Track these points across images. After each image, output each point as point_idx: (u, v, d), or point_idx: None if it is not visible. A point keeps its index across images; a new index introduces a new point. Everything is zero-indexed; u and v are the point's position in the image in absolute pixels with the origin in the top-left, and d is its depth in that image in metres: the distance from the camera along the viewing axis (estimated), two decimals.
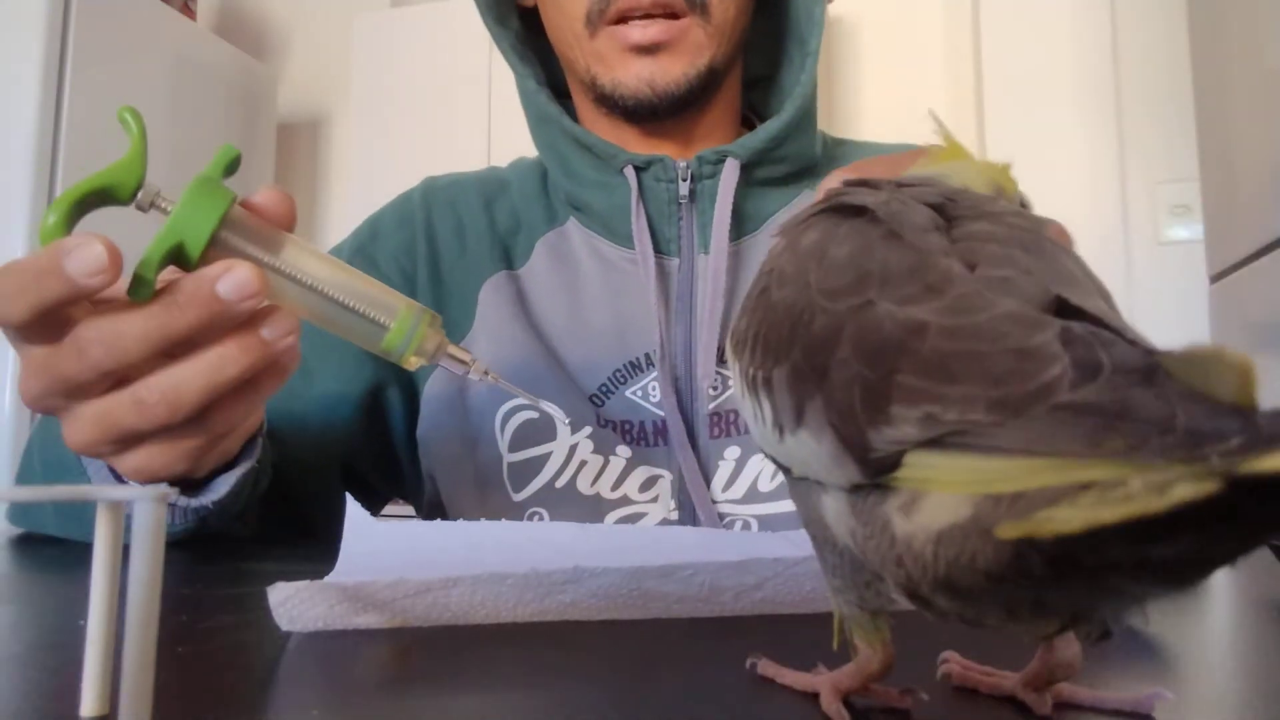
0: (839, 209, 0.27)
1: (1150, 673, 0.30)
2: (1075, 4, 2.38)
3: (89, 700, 0.23)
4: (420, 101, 2.59)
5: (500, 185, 0.80)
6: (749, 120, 0.80)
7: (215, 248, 0.44)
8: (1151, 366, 0.18)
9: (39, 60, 2.03)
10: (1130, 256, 2.30)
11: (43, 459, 0.60)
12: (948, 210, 0.25)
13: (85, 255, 0.40)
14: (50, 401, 0.45)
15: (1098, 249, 2.23)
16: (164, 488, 0.22)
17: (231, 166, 0.46)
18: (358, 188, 2.60)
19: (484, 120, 2.53)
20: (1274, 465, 0.14)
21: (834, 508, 0.24)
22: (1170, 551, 0.17)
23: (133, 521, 0.21)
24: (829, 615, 0.37)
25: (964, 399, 0.20)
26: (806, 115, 0.72)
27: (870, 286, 0.23)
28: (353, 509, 0.42)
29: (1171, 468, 0.16)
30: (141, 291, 0.43)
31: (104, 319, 0.42)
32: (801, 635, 0.34)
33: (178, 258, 0.44)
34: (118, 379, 0.44)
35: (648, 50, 0.68)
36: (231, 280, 0.42)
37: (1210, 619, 0.39)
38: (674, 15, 0.67)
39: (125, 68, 2.24)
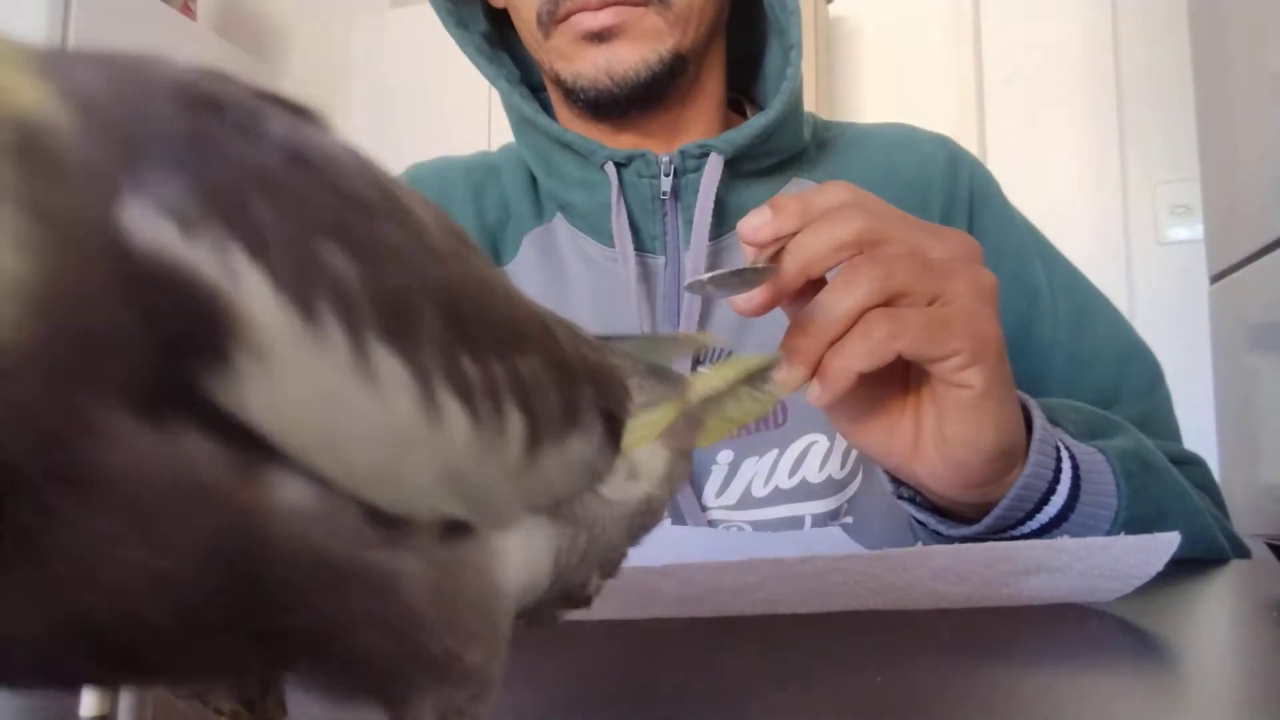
0: None
1: (1150, 672, 0.30)
2: (1076, 3, 2.38)
3: (89, 700, 0.23)
4: (420, 101, 2.59)
5: (489, 172, 0.78)
6: (738, 103, 0.78)
7: None
8: None
9: None
10: (1130, 256, 2.30)
11: None
12: None
13: None
14: None
15: (1098, 249, 2.23)
16: None
17: None
18: None
19: (484, 120, 2.53)
20: None
21: (537, 541, 0.19)
22: None
23: None
24: (830, 615, 0.36)
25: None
26: (794, 109, 0.71)
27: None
28: None
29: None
30: None
31: None
32: (802, 635, 0.34)
33: None
34: None
35: (601, 38, 0.66)
36: None
37: (1210, 619, 0.39)
38: (627, 3, 0.65)
39: None
